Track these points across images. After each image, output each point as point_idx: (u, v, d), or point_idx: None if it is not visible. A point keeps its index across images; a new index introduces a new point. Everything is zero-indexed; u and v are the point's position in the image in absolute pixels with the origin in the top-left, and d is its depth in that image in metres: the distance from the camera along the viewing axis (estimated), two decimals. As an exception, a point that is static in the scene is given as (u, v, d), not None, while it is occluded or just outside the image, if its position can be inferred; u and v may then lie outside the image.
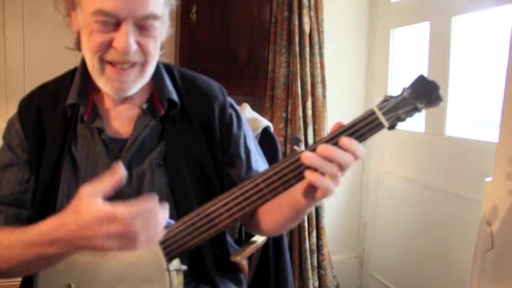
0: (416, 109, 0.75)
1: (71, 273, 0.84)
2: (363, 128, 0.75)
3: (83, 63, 0.98)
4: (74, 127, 0.97)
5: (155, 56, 0.93)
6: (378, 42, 2.38)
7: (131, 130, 0.97)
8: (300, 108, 2.13)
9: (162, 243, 0.82)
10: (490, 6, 1.70)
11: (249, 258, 1.27)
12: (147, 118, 0.97)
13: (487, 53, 1.83)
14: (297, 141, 0.80)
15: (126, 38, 0.85)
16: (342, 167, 0.76)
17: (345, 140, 0.75)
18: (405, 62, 2.29)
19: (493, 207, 1.13)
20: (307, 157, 0.75)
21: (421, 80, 0.76)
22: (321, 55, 2.16)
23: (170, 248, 0.83)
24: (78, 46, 0.98)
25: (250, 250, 1.25)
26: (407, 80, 0.78)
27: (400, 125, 0.77)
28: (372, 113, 0.76)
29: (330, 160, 0.75)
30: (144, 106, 0.98)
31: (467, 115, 1.95)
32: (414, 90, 0.75)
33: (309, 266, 2.17)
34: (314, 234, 2.18)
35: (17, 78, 2.22)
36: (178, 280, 0.84)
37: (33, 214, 0.97)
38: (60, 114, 0.97)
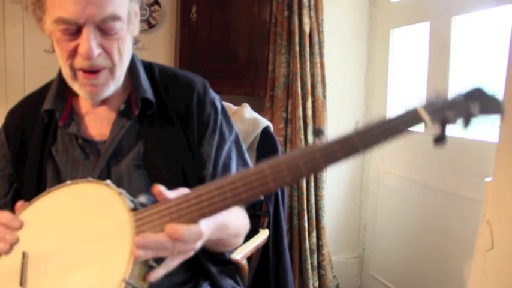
0: (470, 114, 0.67)
1: (31, 242, 0.80)
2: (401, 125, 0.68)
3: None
4: (54, 132, 0.98)
5: (124, 58, 0.91)
6: (377, 42, 2.38)
7: (109, 132, 0.97)
8: (300, 108, 2.13)
9: (136, 220, 0.73)
10: (490, 6, 1.70)
11: (249, 258, 1.27)
12: (123, 119, 0.97)
13: (487, 53, 1.83)
14: (318, 133, 0.70)
15: (88, 43, 0.84)
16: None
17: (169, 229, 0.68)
18: (405, 62, 2.29)
19: (493, 207, 1.13)
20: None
21: (478, 91, 0.67)
22: (321, 55, 2.16)
23: (142, 228, 0.73)
24: (54, 49, 0.98)
25: (250, 250, 1.25)
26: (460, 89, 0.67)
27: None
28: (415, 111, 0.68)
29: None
30: (122, 107, 0.98)
31: (467, 115, 1.94)
32: (469, 96, 0.67)
33: (309, 266, 2.17)
34: (314, 234, 2.18)
35: (17, 78, 2.22)
36: (141, 269, 0.74)
37: None
38: (40, 121, 0.99)
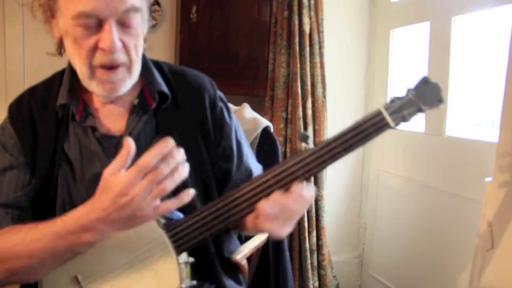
0: (420, 110, 0.79)
1: (76, 264, 0.85)
2: (369, 128, 0.79)
3: (71, 65, 0.98)
4: (66, 127, 0.97)
5: (139, 54, 0.92)
6: (377, 42, 2.38)
7: (124, 126, 0.97)
8: (300, 108, 2.13)
9: (171, 236, 0.85)
10: (490, 6, 1.70)
11: (249, 258, 1.27)
12: (139, 113, 0.98)
13: (487, 53, 1.83)
14: (305, 138, 0.86)
15: (111, 36, 0.84)
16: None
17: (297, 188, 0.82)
18: (405, 62, 2.29)
19: (493, 207, 1.13)
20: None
21: (424, 81, 0.80)
22: (321, 55, 2.16)
23: (179, 242, 0.85)
24: (59, 51, 0.98)
25: (250, 250, 1.25)
26: (411, 80, 0.81)
27: (401, 125, 0.80)
28: (379, 113, 0.79)
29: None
30: (136, 101, 0.98)
31: (467, 115, 1.95)
32: (418, 92, 0.79)
33: (309, 266, 2.17)
34: (314, 234, 2.18)
35: (17, 78, 2.22)
36: (186, 272, 0.87)
37: (30, 215, 0.97)
38: (51, 115, 0.97)
